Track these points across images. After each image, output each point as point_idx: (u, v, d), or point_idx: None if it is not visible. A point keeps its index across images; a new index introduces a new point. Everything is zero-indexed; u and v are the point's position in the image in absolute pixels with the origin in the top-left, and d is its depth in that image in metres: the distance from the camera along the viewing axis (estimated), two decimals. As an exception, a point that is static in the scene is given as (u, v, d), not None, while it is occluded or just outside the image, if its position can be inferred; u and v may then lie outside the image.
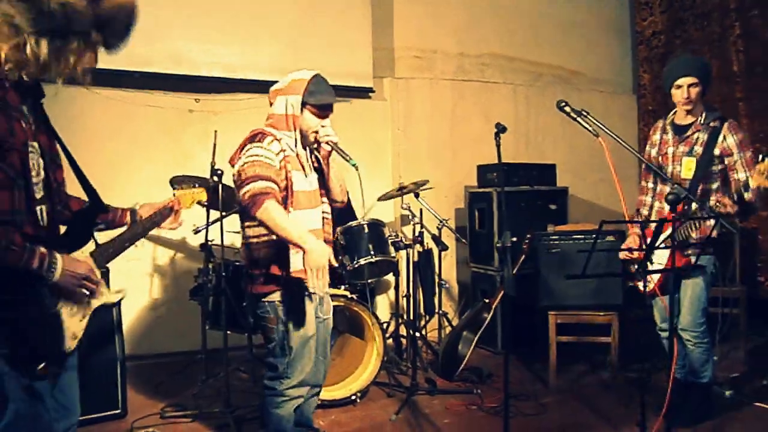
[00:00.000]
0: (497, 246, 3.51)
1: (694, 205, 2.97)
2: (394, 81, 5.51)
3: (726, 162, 3.13)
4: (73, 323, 1.87)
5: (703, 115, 3.21)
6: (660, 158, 3.34)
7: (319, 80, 2.57)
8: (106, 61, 4.72)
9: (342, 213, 3.72)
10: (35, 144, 1.82)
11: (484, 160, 5.20)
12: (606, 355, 4.07)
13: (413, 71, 5.60)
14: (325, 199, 2.72)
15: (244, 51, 4.86)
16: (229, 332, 3.68)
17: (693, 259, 3.02)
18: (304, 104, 2.53)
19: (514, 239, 2.61)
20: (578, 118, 2.61)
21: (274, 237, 2.43)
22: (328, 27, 5.13)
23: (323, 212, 2.70)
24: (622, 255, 3.31)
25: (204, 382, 3.96)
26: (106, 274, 3.58)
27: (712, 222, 2.91)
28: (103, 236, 2.15)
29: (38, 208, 1.81)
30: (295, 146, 2.57)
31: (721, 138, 3.12)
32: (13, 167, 1.71)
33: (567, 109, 2.63)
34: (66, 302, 1.84)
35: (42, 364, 1.77)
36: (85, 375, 3.34)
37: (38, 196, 1.81)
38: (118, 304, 3.53)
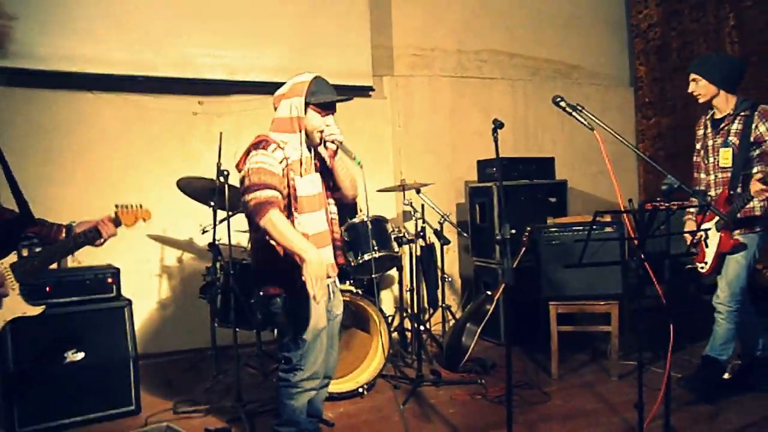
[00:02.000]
0: (497, 239, 3.59)
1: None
2: (393, 79, 5.60)
3: (763, 147, 3.39)
4: None
5: (734, 106, 3.49)
6: (703, 151, 3.64)
7: (319, 81, 2.66)
8: (114, 66, 4.84)
9: (343, 208, 3.80)
10: None
11: (484, 155, 5.28)
12: (607, 343, 4.16)
13: (412, 69, 5.68)
14: (330, 200, 2.81)
15: (246, 53, 4.94)
16: (237, 329, 3.77)
17: (740, 239, 3.39)
18: (307, 105, 2.61)
19: (513, 231, 2.69)
20: (573, 113, 2.68)
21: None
22: (328, 27, 5.21)
23: (330, 213, 2.79)
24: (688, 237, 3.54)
25: (215, 377, 4.05)
26: (117, 275, 3.70)
27: (756, 202, 3.34)
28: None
29: None
30: (300, 147, 2.63)
31: (753, 126, 3.39)
32: None
33: (562, 104, 2.70)
34: None
35: None
36: (99, 374, 3.49)
37: None
38: (128, 302, 3.64)
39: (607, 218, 4.14)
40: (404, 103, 5.63)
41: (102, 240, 2.30)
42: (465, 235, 5.10)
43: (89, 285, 3.61)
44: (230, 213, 3.78)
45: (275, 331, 3.71)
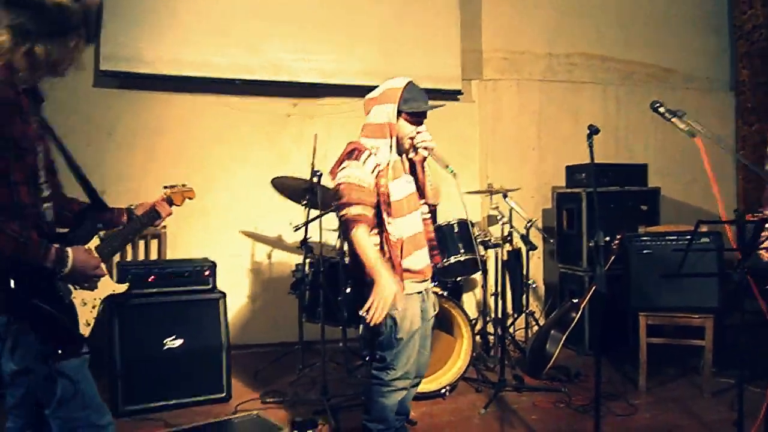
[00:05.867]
0: (590, 245, 3.53)
1: None
2: (482, 83, 5.59)
3: None
4: (85, 311, 2.01)
5: None
6: None
7: (413, 87, 2.66)
8: (214, 70, 5.09)
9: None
10: (40, 148, 1.92)
11: (572, 160, 5.19)
12: (698, 358, 4.00)
13: (501, 73, 5.66)
14: (422, 201, 2.84)
15: (337, 57, 5.08)
16: (324, 325, 3.87)
17: None
18: (399, 112, 2.63)
19: (607, 239, 2.64)
20: (673, 119, 2.61)
21: (382, 246, 2.61)
22: (418, 31, 5.28)
23: (422, 213, 2.82)
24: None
25: (301, 371, 4.18)
26: (213, 268, 3.89)
27: None
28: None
29: (45, 205, 1.93)
30: (391, 151, 2.65)
31: None
32: (29, 166, 1.84)
33: (661, 109, 2.62)
34: (75, 289, 1.98)
35: (61, 350, 1.89)
36: (194, 361, 3.69)
37: (44, 195, 1.94)
38: (222, 295, 3.81)
39: (703, 228, 3.99)
40: (492, 107, 5.61)
41: (161, 220, 2.42)
42: (551, 241, 5.03)
43: (188, 277, 3.81)
44: (322, 212, 3.89)
45: (360, 327, 3.82)
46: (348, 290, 3.79)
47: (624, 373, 4.29)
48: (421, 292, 2.75)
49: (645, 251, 4.04)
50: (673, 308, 3.94)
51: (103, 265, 2.04)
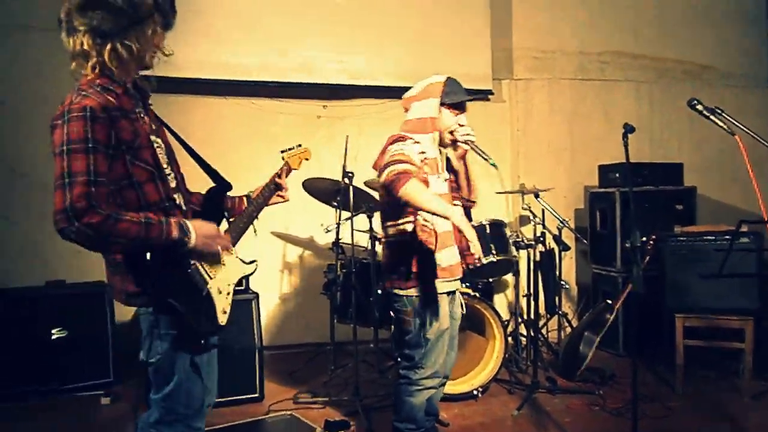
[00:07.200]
0: (626, 246, 3.48)
1: None
2: (513, 82, 5.55)
3: None
4: (221, 300, 2.05)
5: None
6: None
7: (453, 81, 2.72)
8: (245, 72, 5.12)
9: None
10: (159, 140, 1.97)
11: (605, 160, 5.13)
12: (739, 362, 3.91)
13: (532, 72, 5.61)
14: (457, 202, 2.84)
15: (366, 58, 5.09)
16: (356, 326, 3.88)
17: None
18: (441, 105, 2.67)
19: (643, 239, 2.60)
20: (711, 116, 2.56)
21: (416, 236, 2.59)
22: (448, 31, 5.26)
23: None
24: None
25: (333, 371, 4.20)
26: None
27: None
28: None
29: (175, 195, 1.98)
30: (433, 147, 2.68)
31: None
32: (148, 162, 1.87)
33: (699, 107, 2.58)
34: (212, 279, 2.01)
35: (203, 340, 1.97)
36: (229, 362, 3.71)
37: (173, 185, 1.98)
38: (255, 296, 3.85)
39: (744, 228, 3.90)
40: (523, 107, 5.57)
41: (285, 189, 2.40)
42: (584, 241, 4.97)
43: (222, 277, 3.85)
44: (353, 213, 3.90)
45: (392, 327, 3.82)
46: (379, 291, 3.80)
47: (659, 375, 4.22)
48: (450, 293, 2.75)
49: (681, 251, 3.97)
50: (710, 309, 3.85)
51: (227, 236, 2.08)
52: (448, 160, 2.84)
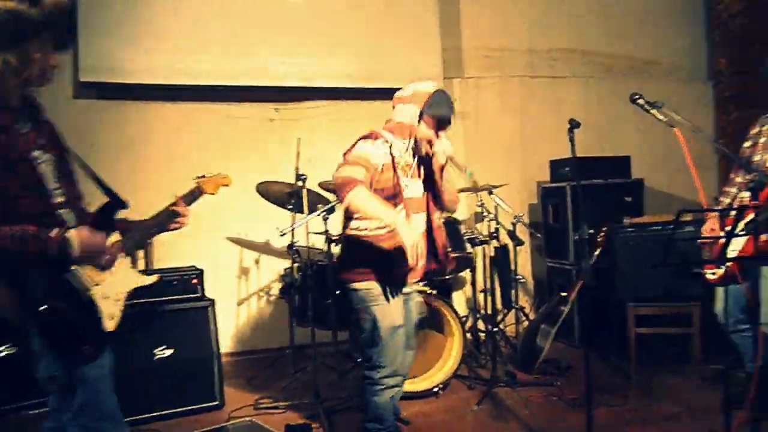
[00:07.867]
0: (575, 239, 3.56)
1: None
2: (464, 81, 5.61)
3: None
4: (108, 305, 2.03)
5: None
6: (752, 149, 3.27)
7: (440, 95, 2.69)
8: (198, 77, 5.04)
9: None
10: (46, 155, 1.92)
11: (556, 155, 5.22)
12: (687, 346, 4.04)
13: (482, 70, 5.67)
14: (435, 209, 2.86)
15: (317, 60, 5.05)
16: (315, 328, 3.86)
17: None
18: (421, 115, 2.65)
19: (591, 231, 2.66)
20: (652, 110, 2.63)
21: (377, 233, 2.62)
22: (398, 31, 5.28)
23: (437, 219, 2.86)
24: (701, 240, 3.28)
25: (293, 375, 4.18)
26: (201, 276, 3.87)
27: None
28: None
29: (62, 211, 1.94)
30: (405, 153, 2.70)
31: None
32: (26, 176, 1.85)
33: (640, 101, 2.65)
34: (96, 286, 1.99)
35: (86, 345, 1.93)
36: (186, 369, 3.66)
37: (59, 200, 1.94)
38: (211, 302, 3.80)
39: (688, 217, 4.02)
40: (475, 105, 5.63)
41: (184, 216, 2.31)
42: (538, 236, 5.05)
43: (176, 285, 3.79)
44: (307, 215, 3.89)
45: (350, 329, 3.82)
46: (338, 292, 3.79)
47: (614, 364, 4.32)
48: (405, 293, 2.78)
49: (630, 242, 4.07)
50: (659, 298, 3.97)
51: (111, 239, 2.03)
52: (431, 171, 2.81)
